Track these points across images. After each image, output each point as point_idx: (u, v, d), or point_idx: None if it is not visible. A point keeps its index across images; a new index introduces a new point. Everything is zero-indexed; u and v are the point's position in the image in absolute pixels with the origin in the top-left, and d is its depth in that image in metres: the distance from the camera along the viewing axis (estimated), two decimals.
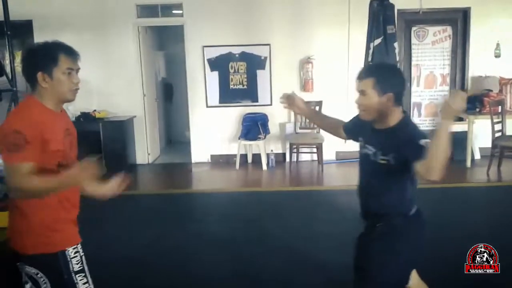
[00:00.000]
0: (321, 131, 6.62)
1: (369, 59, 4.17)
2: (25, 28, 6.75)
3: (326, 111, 6.63)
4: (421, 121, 7.11)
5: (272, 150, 6.85)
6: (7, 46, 5.70)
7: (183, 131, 7.87)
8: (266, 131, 6.77)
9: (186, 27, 6.81)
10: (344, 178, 6.10)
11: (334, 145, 6.79)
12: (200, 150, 7.10)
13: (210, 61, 6.84)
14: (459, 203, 4.99)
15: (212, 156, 7.11)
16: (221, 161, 7.04)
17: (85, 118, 6.58)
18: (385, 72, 2.10)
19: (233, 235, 4.14)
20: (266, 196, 5.52)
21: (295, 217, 4.48)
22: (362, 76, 2.05)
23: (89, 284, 2.02)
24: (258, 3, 6.73)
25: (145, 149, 7.16)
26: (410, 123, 2.10)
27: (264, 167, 6.65)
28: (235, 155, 6.76)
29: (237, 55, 6.82)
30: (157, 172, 6.95)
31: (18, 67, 6.80)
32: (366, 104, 2.05)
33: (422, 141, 1.93)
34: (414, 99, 7.07)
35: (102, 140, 6.49)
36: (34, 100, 1.92)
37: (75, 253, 1.98)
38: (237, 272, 3.44)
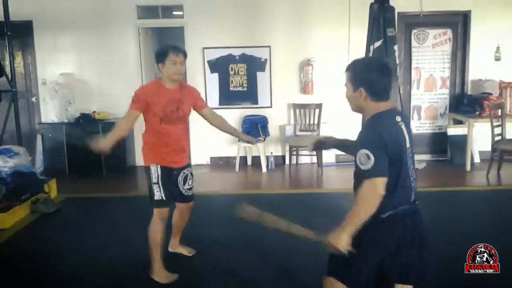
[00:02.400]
0: (321, 133, 6.63)
1: None
2: (25, 28, 6.75)
3: (326, 113, 6.65)
4: (421, 124, 7.11)
5: (271, 153, 6.84)
6: (7, 47, 5.71)
7: None
8: (266, 133, 6.76)
9: (187, 29, 6.81)
10: (343, 181, 6.08)
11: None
12: (200, 152, 7.09)
13: (210, 63, 6.85)
14: (459, 207, 4.98)
15: (211, 158, 7.10)
16: (221, 163, 7.04)
17: (85, 119, 6.58)
18: (359, 67, 2.11)
19: (232, 237, 4.13)
20: (265, 199, 5.50)
21: (295, 219, 4.45)
22: (346, 69, 2.15)
23: (160, 192, 3.23)
24: (258, 5, 6.73)
25: None
26: (372, 123, 2.05)
27: (264, 169, 6.64)
28: (234, 157, 6.76)
29: (237, 57, 6.82)
30: None
31: (18, 68, 6.89)
32: (347, 96, 2.14)
33: (362, 151, 1.93)
34: (414, 102, 7.07)
35: None
36: (156, 80, 3.38)
37: (154, 171, 3.24)
38: (235, 275, 3.42)
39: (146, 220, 4.66)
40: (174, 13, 7.05)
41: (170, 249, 3.78)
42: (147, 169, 3.29)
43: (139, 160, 7.10)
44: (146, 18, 6.94)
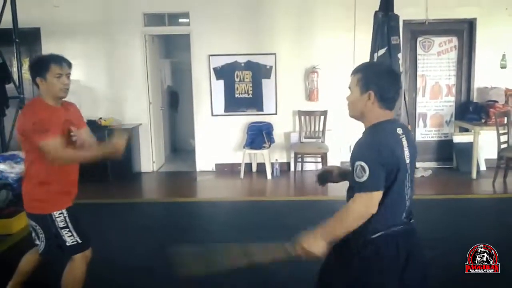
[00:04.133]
0: (326, 140, 6.63)
1: None
2: (33, 35, 6.81)
3: (331, 120, 6.66)
4: (427, 131, 7.10)
5: (276, 159, 6.84)
6: (15, 54, 5.76)
7: (188, 140, 7.89)
8: (271, 140, 6.77)
9: (193, 36, 6.85)
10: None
11: (339, 155, 6.78)
12: (205, 159, 7.11)
13: (215, 70, 6.88)
14: (465, 215, 4.96)
15: (216, 164, 7.11)
16: (226, 170, 7.05)
17: (91, 126, 6.45)
18: (372, 70, 1.98)
19: (237, 244, 4.12)
20: (270, 206, 5.51)
21: (300, 226, 4.45)
22: (352, 72, 2.00)
23: (73, 236, 2.69)
24: (264, 13, 6.76)
25: (150, 157, 7.17)
26: (372, 133, 1.91)
27: (269, 176, 6.64)
28: (239, 164, 6.76)
29: (242, 64, 6.85)
30: (161, 180, 6.96)
31: (26, 74, 6.89)
32: (349, 100, 1.99)
33: (357, 163, 1.81)
34: (419, 109, 7.06)
35: None
36: (38, 99, 2.69)
37: (59, 214, 2.66)
38: (240, 282, 3.42)
39: (152, 226, 4.69)
40: (180, 20, 7.09)
41: None
42: (44, 218, 2.66)
43: (144, 166, 7.13)
44: (152, 25, 6.99)
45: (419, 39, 6.91)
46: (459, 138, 6.81)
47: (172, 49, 8.58)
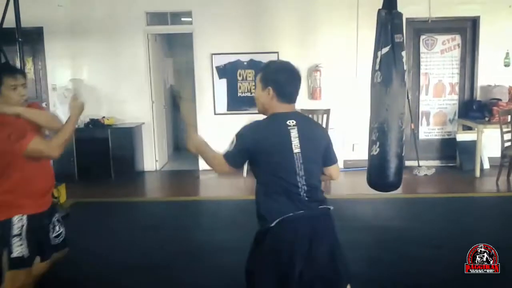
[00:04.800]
0: None
1: (377, 67, 4.14)
2: (35, 35, 6.82)
3: (334, 119, 6.65)
4: (430, 130, 7.08)
5: None
6: (18, 53, 5.76)
7: None
8: None
9: (195, 35, 6.85)
10: (351, 187, 6.07)
11: (342, 154, 6.76)
12: None
13: (218, 69, 6.88)
14: (468, 213, 4.95)
15: None
16: None
17: (94, 125, 6.63)
18: (271, 68, 2.21)
19: (240, 243, 4.11)
20: None
21: None
22: (259, 69, 2.23)
23: (23, 245, 2.45)
24: (266, 12, 6.76)
25: (153, 156, 7.18)
26: (259, 121, 2.15)
27: None
28: None
29: (245, 63, 6.85)
30: (164, 179, 6.96)
31: (29, 73, 6.95)
32: (255, 95, 2.21)
33: (234, 136, 2.12)
34: (422, 107, 7.04)
35: (110, 146, 6.53)
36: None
37: (18, 221, 2.45)
38: (239, 281, 3.42)
39: (155, 225, 4.70)
40: (183, 19, 7.10)
41: None
42: (5, 223, 2.46)
43: (147, 165, 7.14)
44: (155, 24, 6.99)
45: (422, 37, 6.89)
46: (463, 137, 6.79)
47: (174, 48, 8.57)
